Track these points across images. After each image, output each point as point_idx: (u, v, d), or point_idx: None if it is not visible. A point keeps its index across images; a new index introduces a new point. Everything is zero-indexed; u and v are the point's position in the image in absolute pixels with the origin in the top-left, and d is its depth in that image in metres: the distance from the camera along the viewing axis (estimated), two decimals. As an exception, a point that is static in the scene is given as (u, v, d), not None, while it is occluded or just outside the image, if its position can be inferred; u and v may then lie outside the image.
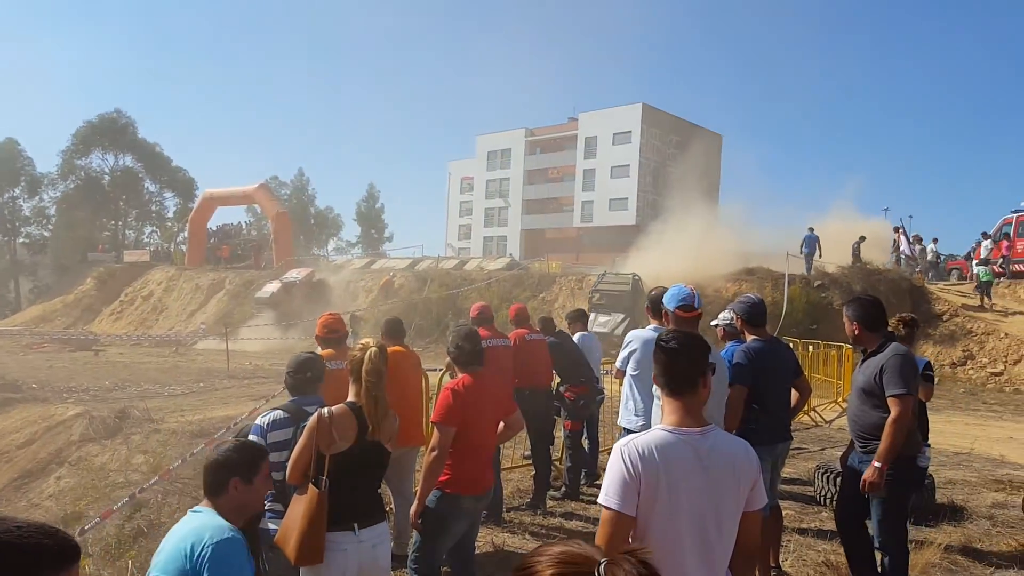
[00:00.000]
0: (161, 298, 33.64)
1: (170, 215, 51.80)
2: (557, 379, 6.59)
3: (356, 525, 3.09)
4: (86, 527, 6.08)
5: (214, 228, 42.01)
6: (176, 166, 51.33)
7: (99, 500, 6.89)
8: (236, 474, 2.44)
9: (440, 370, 6.42)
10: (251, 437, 3.54)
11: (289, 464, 3.07)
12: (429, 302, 25.61)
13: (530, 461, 7.04)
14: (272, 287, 28.20)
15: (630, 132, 53.67)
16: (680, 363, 2.14)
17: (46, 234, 47.83)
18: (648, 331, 4.55)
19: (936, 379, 4.53)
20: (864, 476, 3.80)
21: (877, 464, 3.74)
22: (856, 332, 4.06)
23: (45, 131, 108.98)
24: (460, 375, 3.97)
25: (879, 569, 4.00)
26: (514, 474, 6.92)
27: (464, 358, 3.98)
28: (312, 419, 3.08)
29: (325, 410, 3.10)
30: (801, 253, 21.60)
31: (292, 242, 37.34)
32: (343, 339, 4.97)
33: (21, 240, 46.45)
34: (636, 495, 2.05)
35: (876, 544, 4.00)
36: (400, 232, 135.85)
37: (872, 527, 4.01)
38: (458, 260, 34.94)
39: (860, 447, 3.99)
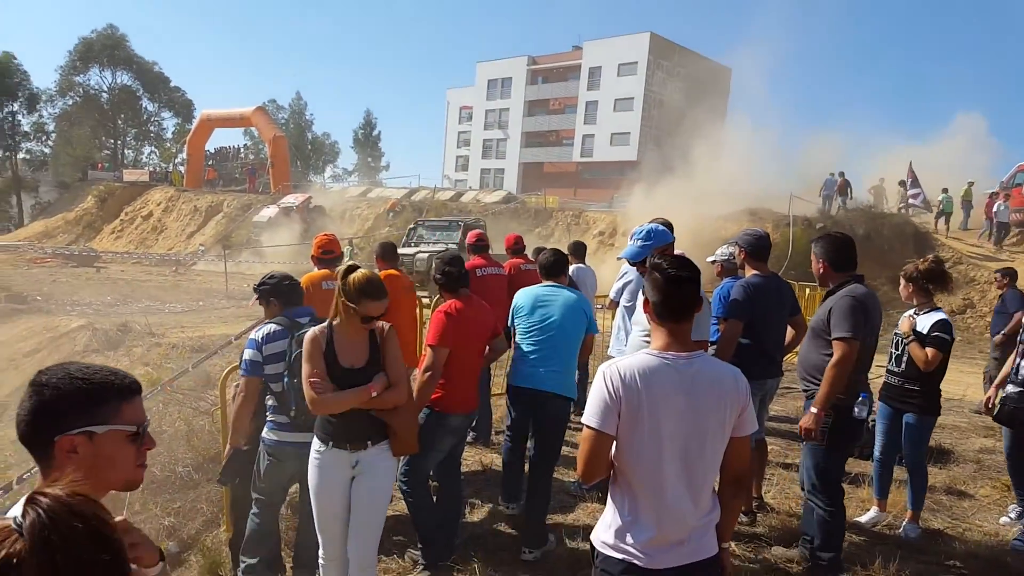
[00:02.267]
0: (160, 218, 33.43)
1: (169, 136, 50.92)
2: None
3: (348, 447, 3.15)
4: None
5: (212, 151, 41.38)
6: (175, 86, 50.15)
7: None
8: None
9: (430, 299, 6.46)
10: (247, 351, 3.59)
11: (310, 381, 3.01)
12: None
13: (520, 386, 7.15)
14: (269, 212, 28.02)
15: (636, 63, 52.01)
16: (682, 291, 2.14)
17: (46, 151, 47.11)
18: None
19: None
20: (800, 421, 3.70)
21: (814, 410, 3.60)
22: (821, 271, 3.81)
23: (42, 47, 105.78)
24: (448, 300, 4.00)
25: (808, 515, 3.85)
26: (503, 399, 7.02)
27: (450, 283, 4.00)
28: (307, 340, 3.10)
29: (316, 329, 3.14)
30: (820, 195, 21.49)
31: (289, 167, 36.85)
32: (338, 260, 4.97)
33: (22, 156, 45.72)
34: (616, 416, 2.09)
35: (803, 488, 3.89)
36: (397, 161, 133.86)
37: (800, 470, 3.93)
38: (454, 192, 34.61)
39: (803, 390, 3.85)
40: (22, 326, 11.77)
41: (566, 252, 4.96)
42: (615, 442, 2.12)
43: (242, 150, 48.91)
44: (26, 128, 45.80)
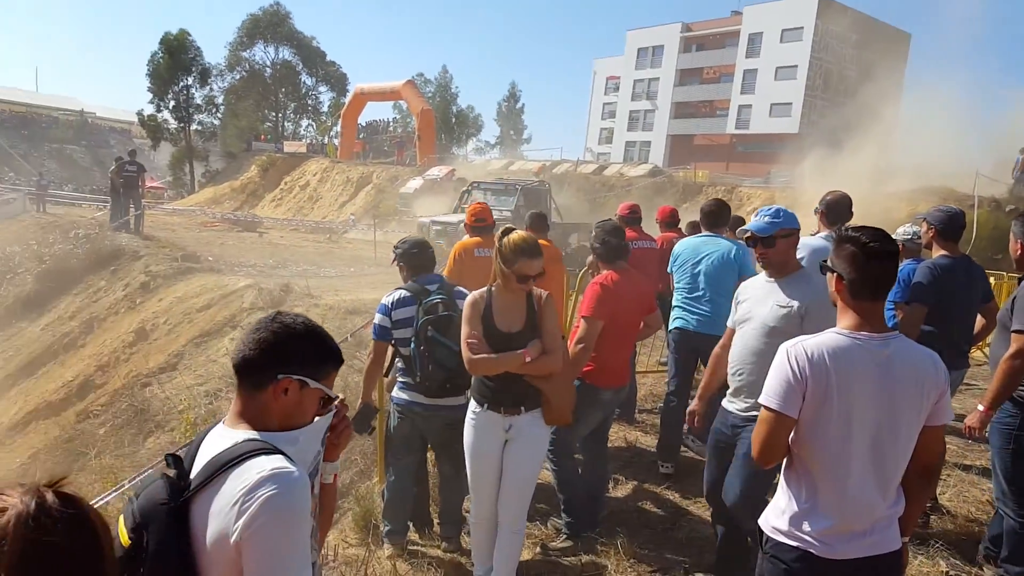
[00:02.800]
0: (316, 188, 35.83)
1: (325, 109, 54.30)
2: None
3: (502, 410, 3.25)
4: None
5: (363, 124, 43.66)
6: (330, 60, 53.28)
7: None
8: None
9: (575, 270, 6.46)
10: (377, 315, 3.77)
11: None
12: (563, 206, 25.57)
13: (667, 367, 7.04)
14: (415, 183, 29.16)
15: (801, 28, 48.75)
16: (883, 266, 2.02)
17: (216, 123, 51.76)
18: (818, 239, 4.27)
19: None
20: (966, 420, 3.39)
21: (980, 407, 3.29)
22: (1019, 252, 3.47)
23: (214, 24, 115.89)
24: (604, 271, 3.98)
25: (996, 523, 3.55)
26: (647, 378, 6.96)
27: (609, 253, 3.97)
28: (467, 303, 3.26)
29: (476, 293, 3.26)
30: (1013, 176, 19.25)
31: (435, 140, 38.13)
32: (490, 228, 5.09)
33: (195, 127, 50.57)
34: (800, 398, 2.01)
35: (995, 502, 3.59)
36: (539, 134, 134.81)
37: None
38: (598, 165, 34.29)
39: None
40: (196, 283, 13.10)
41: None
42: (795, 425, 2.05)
43: (391, 123, 51.36)
44: (199, 101, 50.59)
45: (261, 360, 1.55)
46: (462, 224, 14.66)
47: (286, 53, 51.87)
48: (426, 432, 3.87)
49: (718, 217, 4.92)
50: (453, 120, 60.73)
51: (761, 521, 2.23)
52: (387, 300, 3.76)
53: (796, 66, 48.99)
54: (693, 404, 3.54)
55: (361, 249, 20.65)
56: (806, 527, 2.05)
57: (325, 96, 54.54)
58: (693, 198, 24.14)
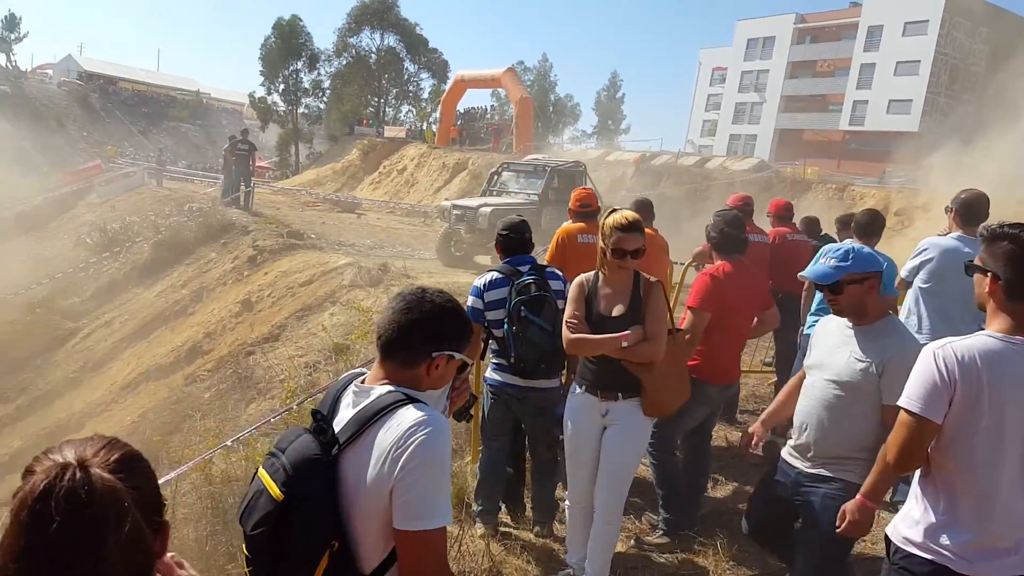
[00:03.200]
0: (413, 173, 36.63)
1: (425, 96, 55.38)
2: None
3: (599, 394, 3.22)
4: (356, 364, 7.09)
5: (461, 111, 44.26)
6: (432, 47, 54.23)
7: (364, 336, 7.94)
8: None
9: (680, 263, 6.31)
10: (470, 297, 3.79)
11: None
12: (662, 198, 25.05)
13: (771, 368, 6.80)
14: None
15: (927, 22, 45.77)
16: None
17: (321, 106, 53.73)
18: (949, 239, 4.00)
19: None
20: None
21: None
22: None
23: (324, 10, 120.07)
24: (718, 262, 3.86)
25: None
26: (750, 378, 6.73)
27: (727, 244, 3.85)
28: (573, 284, 3.26)
29: (584, 275, 3.24)
30: None
31: (532, 128, 38.19)
32: (595, 214, 5.03)
33: (301, 110, 52.68)
34: (947, 403, 1.87)
35: None
36: (638, 124, 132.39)
37: None
38: (699, 157, 33.40)
39: None
40: (299, 259, 13.67)
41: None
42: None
43: (488, 111, 51.89)
44: (306, 85, 52.63)
45: (416, 341, 1.64)
46: (483, 209, 13.84)
47: (391, 40, 53.19)
48: (519, 414, 3.88)
49: (870, 227, 4.71)
50: (551, 109, 60.62)
51: (889, 530, 2.11)
52: (479, 282, 3.79)
53: (919, 61, 46.05)
54: (755, 426, 3.22)
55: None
56: (944, 540, 1.92)
57: (426, 83, 55.65)
58: (801, 195, 23.14)
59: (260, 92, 51.88)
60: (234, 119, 65.82)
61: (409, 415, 1.53)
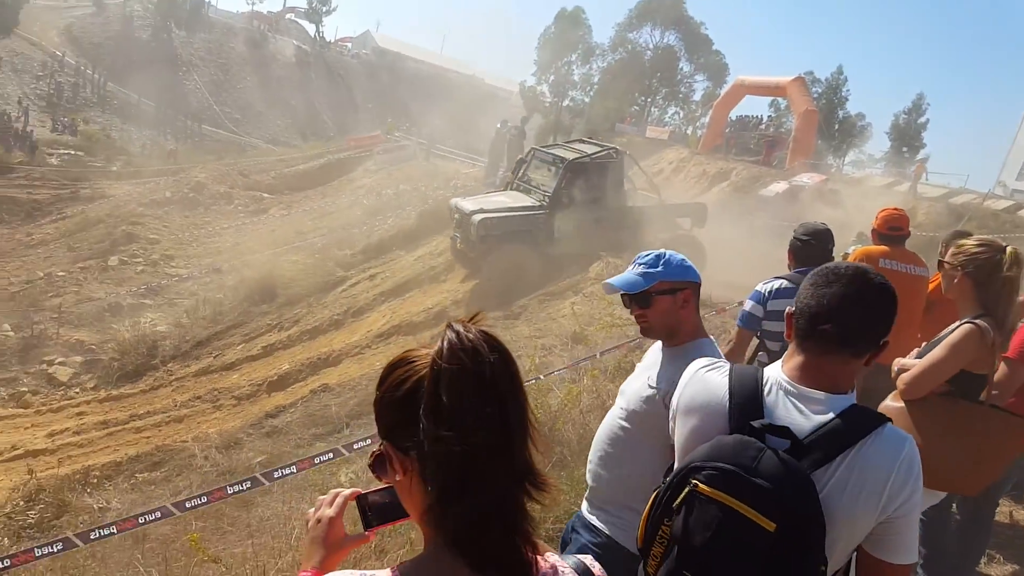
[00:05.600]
0: (669, 177, 36.39)
1: (696, 98, 54.66)
2: None
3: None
4: (598, 352, 7.33)
5: (732, 118, 42.95)
6: (715, 49, 53.31)
7: (606, 327, 8.18)
8: None
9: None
10: (748, 301, 3.68)
11: (918, 374, 2.87)
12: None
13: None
14: (778, 187, 27.88)
15: None
16: None
17: (586, 100, 55.38)
18: None
19: None
20: None
21: None
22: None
23: (604, 4, 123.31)
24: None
25: None
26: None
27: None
28: (965, 330, 2.87)
29: (982, 322, 2.87)
30: None
31: (813, 144, 36.00)
32: (904, 239, 4.69)
33: (566, 103, 54.73)
34: None
35: None
36: (940, 156, 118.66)
37: None
38: (1012, 203, 29.16)
39: None
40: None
41: None
42: None
43: (764, 120, 49.72)
44: (575, 78, 54.49)
45: (879, 331, 1.57)
46: (476, 217, 12.09)
47: (671, 38, 53.19)
48: None
49: None
50: (836, 126, 56.55)
51: None
52: (763, 288, 3.68)
53: None
54: None
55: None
56: None
57: (699, 85, 54.87)
58: None
59: (530, 81, 54.74)
60: (501, 105, 70.24)
61: (894, 438, 1.50)
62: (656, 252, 2.42)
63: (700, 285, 2.42)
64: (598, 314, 9.46)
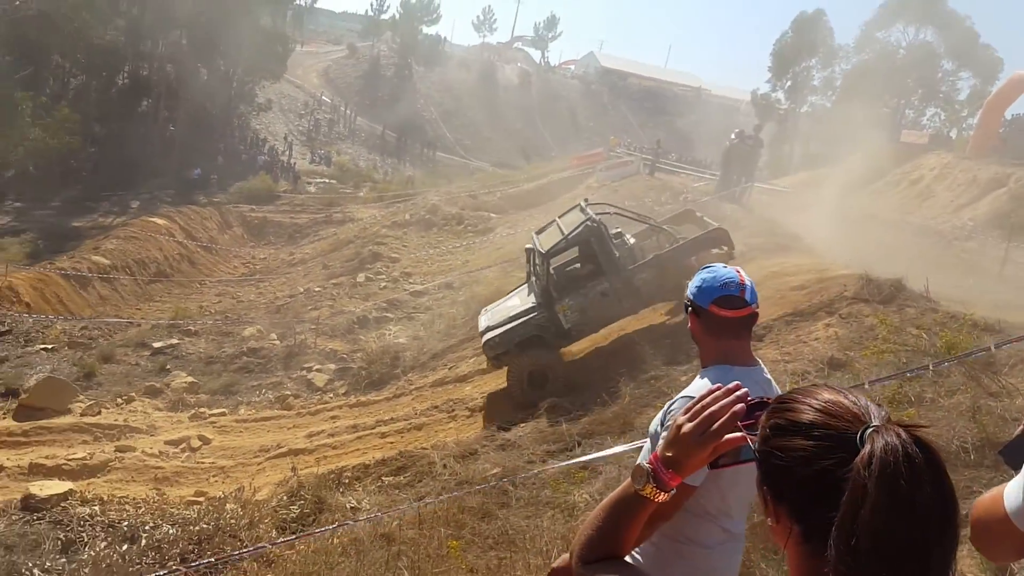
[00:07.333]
0: (930, 184, 32.78)
1: (961, 98, 48.96)
2: None
3: None
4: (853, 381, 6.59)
5: (1008, 117, 37.81)
6: (983, 44, 47.46)
7: (877, 354, 7.37)
8: None
9: None
10: None
11: None
12: None
13: None
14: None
15: None
16: None
17: (828, 104, 51.86)
18: None
19: None
20: None
21: None
22: None
23: (848, 5, 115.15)
24: None
25: None
26: None
27: None
28: None
29: None
30: None
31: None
32: None
33: (804, 108, 51.64)
34: None
35: None
36: None
37: None
38: None
39: None
40: (791, 262, 13.45)
41: None
42: None
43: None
44: (816, 83, 51.20)
45: None
46: (484, 336, 10.61)
47: (928, 34, 48.23)
48: None
49: None
50: None
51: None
52: None
53: None
54: None
55: (979, 260, 18.18)
56: None
57: (965, 83, 49.06)
58: None
59: (764, 89, 52.43)
60: (730, 116, 68.01)
61: None
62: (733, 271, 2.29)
63: None
64: (856, 337, 8.61)
